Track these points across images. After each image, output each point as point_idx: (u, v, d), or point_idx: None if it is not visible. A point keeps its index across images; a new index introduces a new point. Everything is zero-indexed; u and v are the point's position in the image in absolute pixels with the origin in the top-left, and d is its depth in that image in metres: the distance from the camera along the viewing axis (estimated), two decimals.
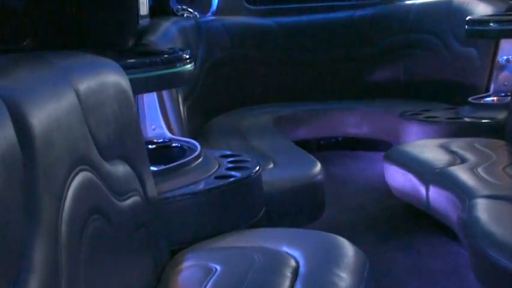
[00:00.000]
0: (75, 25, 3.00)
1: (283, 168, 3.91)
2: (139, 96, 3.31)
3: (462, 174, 3.68)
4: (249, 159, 3.41)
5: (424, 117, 5.02)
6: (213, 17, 5.90)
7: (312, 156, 4.15)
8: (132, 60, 3.05)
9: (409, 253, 3.83)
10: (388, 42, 6.05)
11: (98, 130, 2.08)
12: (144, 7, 3.36)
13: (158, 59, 3.13)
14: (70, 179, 1.72)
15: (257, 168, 3.28)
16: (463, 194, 3.43)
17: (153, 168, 2.83)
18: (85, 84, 2.09)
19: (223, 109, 5.63)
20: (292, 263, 2.51)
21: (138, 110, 3.11)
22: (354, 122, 5.71)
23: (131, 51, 3.22)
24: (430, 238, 3.94)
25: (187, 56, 3.27)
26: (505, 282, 2.74)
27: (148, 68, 3.05)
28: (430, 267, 3.65)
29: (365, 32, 6.13)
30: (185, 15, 5.45)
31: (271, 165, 3.94)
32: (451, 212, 3.54)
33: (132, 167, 2.42)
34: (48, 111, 1.70)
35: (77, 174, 1.78)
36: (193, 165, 3.20)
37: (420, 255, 3.80)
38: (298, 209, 3.64)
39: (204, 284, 2.36)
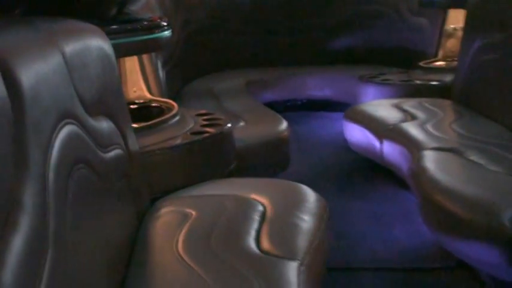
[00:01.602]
0: None
1: (252, 126, 3.92)
2: (122, 60, 3.30)
3: (412, 129, 3.71)
4: (222, 118, 3.43)
5: (379, 80, 5.05)
6: None
7: (279, 115, 4.16)
8: (115, 27, 3.04)
9: (365, 200, 3.87)
10: (348, 13, 6.04)
11: (83, 88, 2.07)
12: None
13: (138, 26, 3.13)
14: (57, 131, 1.71)
15: (229, 125, 3.30)
16: (413, 147, 3.46)
17: (134, 125, 2.83)
18: (70, 47, 2.08)
19: (199, 74, 5.61)
20: (260, 208, 2.53)
21: (120, 73, 3.10)
22: (317, 85, 5.71)
23: (114, 19, 3.20)
24: (384, 187, 3.98)
25: (165, 24, 3.26)
26: (449, 223, 2.78)
27: (129, 33, 3.05)
28: (383, 212, 3.70)
29: (328, 4, 6.10)
30: None
31: (242, 123, 3.95)
32: (402, 163, 3.58)
33: (115, 123, 2.42)
34: (35, 70, 1.69)
35: (63, 127, 1.77)
36: (171, 122, 3.21)
37: (374, 202, 3.84)
38: (266, 162, 3.66)
39: (181, 227, 2.38)
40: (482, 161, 3.10)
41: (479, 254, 2.65)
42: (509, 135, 3.50)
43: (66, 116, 1.83)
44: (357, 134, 4.24)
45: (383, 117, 4.08)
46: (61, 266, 1.51)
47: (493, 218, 2.54)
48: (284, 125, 3.94)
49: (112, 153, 2.27)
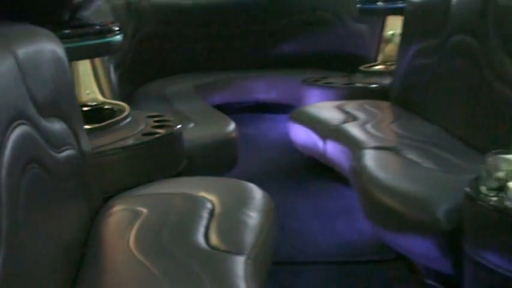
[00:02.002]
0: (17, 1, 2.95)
1: (202, 127, 3.92)
2: (75, 63, 3.26)
3: (354, 130, 3.74)
4: (172, 119, 3.42)
5: (323, 83, 5.07)
6: None
7: (227, 117, 4.17)
8: (67, 31, 3.02)
9: (309, 197, 3.90)
10: (292, 19, 6.07)
11: (35, 90, 2.04)
12: None
13: (90, 30, 3.12)
14: (9, 131, 1.69)
15: (178, 126, 3.30)
16: (354, 146, 3.49)
17: (87, 126, 2.80)
18: (23, 50, 2.05)
19: (150, 77, 5.58)
20: (209, 205, 2.53)
21: (73, 75, 3.07)
22: (264, 88, 5.73)
23: (67, 24, 3.16)
24: (327, 184, 4.01)
25: (116, 28, 3.24)
26: (387, 218, 2.82)
27: (81, 38, 3.04)
28: (326, 208, 3.73)
29: (273, 10, 6.12)
30: None
31: (192, 125, 3.94)
32: (344, 161, 3.60)
33: (68, 124, 2.39)
34: None
35: (15, 127, 1.75)
36: (122, 124, 3.19)
37: (318, 198, 3.87)
38: (215, 161, 3.66)
39: (132, 225, 2.36)
40: (418, 159, 3.14)
41: (416, 246, 2.69)
42: (443, 135, 3.56)
43: (18, 116, 1.80)
44: (301, 134, 4.26)
45: (326, 119, 4.11)
46: (13, 264, 1.49)
47: (428, 212, 2.58)
48: (232, 126, 3.95)
49: (65, 154, 2.25)
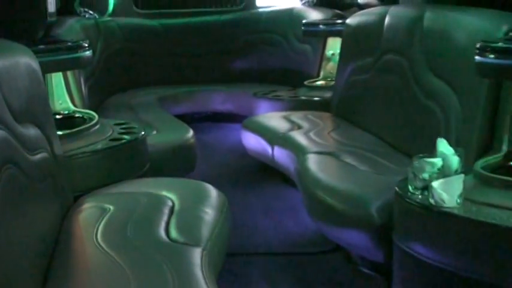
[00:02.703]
0: None
1: (164, 134, 3.89)
2: (49, 75, 3.21)
3: (298, 137, 3.76)
4: (136, 127, 3.40)
5: (271, 96, 5.09)
6: (109, 18, 5.75)
7: (186, 125, 4.15)
8: (41, 47, 2.98)
9: (259, 196, 3.89)
10: (245, 39, 6.07)
11: (11, 99, 2.01)
12: (51, 6, 3.27)
13: (62, 46, 3.10)
14: None
15: (142, 133, 3.28)
16: (298, 151, 3.50)
17: (59, 132, 2.76)
18: (0, 63, 2.02)
19: (117, 90, 5.51)
20: (169, 203, 2.52)
21: (47, 87, 3.03)
22: (220, 100, 5.72)
23: (41, 40, 3.12)
24: (275, 185, 4.01)
25: (86, 45, 3.22)
26: (328, 214, 2.84)
27: (54, 52, 3.01)
28: (274, 206, 3.73)
29: (228, 31, 6.13)
30: (86, 16, 5.28)
31: (155, 132, 3.91)
32: (290, 165, 3.61)
33: (42, 130, 2.36)
34: None
35: None
36: (92, 130, 3.15)
37: (267, 197, 3.87)
38: (175, 164, 3.64)
39: (100, 220, 2.34)
40: (354, 163, 3.17)
41: (352, 238, 2.71)
42: (376, 142, 3.60)
43: None
44: (252, 141, 4.26)
45: (274, 127, 4.12)
46: None
47: (362, 209, 2.61)
48: (191, 133, 3.94)
49: (38, 156, 2.22)
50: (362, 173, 3.03)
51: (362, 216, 2.59)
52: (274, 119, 4.34)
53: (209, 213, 2.46)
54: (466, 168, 2.35)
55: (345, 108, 4.27)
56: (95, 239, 2.17)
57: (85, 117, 3.35)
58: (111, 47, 5.51)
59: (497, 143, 2.47)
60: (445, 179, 2.21)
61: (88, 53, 3.22)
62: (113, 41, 5.60)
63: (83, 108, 3.67)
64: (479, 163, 2.40)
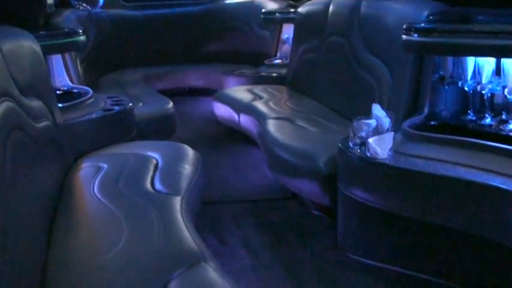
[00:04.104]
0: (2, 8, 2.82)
1: (148, 105, 3.84)
2: (50, 57, 3.13)
3: (260, 106, 3.75)
4: (125, 99, 3.34)
5: (237, 73, 5.06)
6: (100, 10, 5.60)
7: (167, 98, 4.10)
8: (42, 32, 2.90)
9: (228, 155, 3.87)
10: (215, 27, 5.97)
11: (17, 76, 1.95)
12: None
13: (60, 32, 3.01)
14: None
15: (130, 104, 3.23)
16: (260, 117, 3.50)
17: (60, 104, 2.71)
18: (7, 46, 1.97)
19: (109, 70, 5.39)
20: (154, 161, 2.49)
21: (48, 67, 2.95)
22: (195, 77, 5.65)
23: (42, 27, 3.04)
24: (242, 147, 4.00)
25: (81, 31, 3.14)
26: (285, 167, 2.85)
27: (53, 37, 2.93)
28: (241, 163, 3.72)
29: (201, 20, 6.01)
30: (81, 8, 5.13)
31: (141, 104, 3.86)
32: (253, 129, 3.61)
33: (44, 102, 2.30)
34: None
35: (2, 103, 1.67)
36: (87, 102, 3.10)
37: (235, 156, 3.85)
38: (158, 130, 3.59)
39: (96, 176, 2.31)
40: (306, 125, 3.18)
41: (304, 187, 2.73)
42: (323, 108, 3.61)
43: (4, 95, 1.72)
44: (222, 110, 4.24)
45: (240, 98, 4.10)
46: (2, 219, 1.41)
47: (312, 162, 2.62)
48: (171, 104, 3.90)
49: (42, 124, 2.16)
50: (312, 134, 3.04)
51: (312, 168, 2.61)
52: (240, 91, 4.31)
53: (187, 169, 2.44)
54: (395, 127, 2.37)
55: (297, 81, 4.27)
56: (92, 191, 2.14)
57: (81, 92, 3.28)
58: (102, 33, 5.37)
59: (421, 106, 2.49)
60: (379, 136, 2.23)
61: (82, 37, 3.14)
62: (104, 29, 5.46)
63: (79, 85, 3.60)
64: (406, 123, 2.43)
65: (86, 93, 3.23)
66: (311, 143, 2.83)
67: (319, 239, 2.61)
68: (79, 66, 3.95)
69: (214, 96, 4.46)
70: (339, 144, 2.38)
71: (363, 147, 2.26)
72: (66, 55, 3.40)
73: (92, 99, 3.14)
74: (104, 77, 5.17)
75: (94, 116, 2.95)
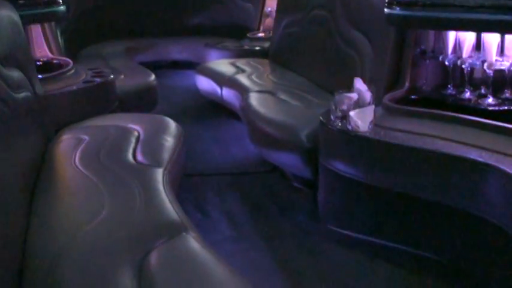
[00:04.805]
0: None
1: (130, 78, 3.80)
2: (29, 27, 3.08)
3: (242, 79, 3.74)
4: (106, 71, 3.30)
5: (220, 46, 5.02)
6: None
7: (149, 71, 4.07)
8: (21, 1, 2.84)
9: (211, 128, 3.85)
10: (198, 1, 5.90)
11: None
12: None
13: (40, 1, 2.96)
14: None
15: (111, 76, 3.19)
16: (243, 90, 3.49)
17: (40, 75, 2.67)
18: None
19: (90, 42, 5.31)
20: (135, 133, 2.49)
21: (28, 37, 2.90)
22: (177, 50, 5.58)
23: None
24: (224, 120, 3.98)
25: (61, 1, 3.08)
26: (267, 141, 2.86)
27: (32, 7, 2.88)
28: (223, 136, 3.71)
29: None
30: None
31: (123, 76, 3.81)
32: (236, 102, 3.61)
33: (24, 73, 2.28)
34: None
35: None
36: (68, 74, 3.06)
37: (217, 129, 3.84)
38: (140, 103, 3.57)
39: (77, 148, 2.30)
40: (288, 99, 3.18)
41: (286, 160, 2.75)
42: (306, 82, 3.61)
43: None
44: (204, 83, 4.21)
45: (222, 71, 4.08)
46: None
47: (294, 135, 2.64)
48: (153, 77, 3.87)
49: (22, 95, 2.14)
50: (294, 107, 3.04)
51: (294, 142, 2.62)
52: (223, 65, 4.28)
53: (169, 141, 2.44)
54: (377, 101, 2.39)
55: (280, 55, 4.25)
56: (73, 163, 2.13)
57: (62, 63, 3.24)
58: (83, 4, 5.27)
59: (402, 80, 2.51)
60: (360, 109, 2.24)
61: (62, 8, 3.09)
62: (86, 1, 5.35)
63: (60, 57, 3.54)
64: (387, 96, 2.45)
65: (67, 64, 3.19)
66: (293, 117, 2.84)
67: (300, 211, 2.64)
68: (59, 38, 3.87)
69: (196, 69, 4.42)
70: (321, 118, 2.39)
71: (344, 121, 2.27)
72: (46, 26, 3.34)
73: (72, 71, 3.10)
74: (85, 49, 5.09)
75: (75, 87, 2.92)
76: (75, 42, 4.82)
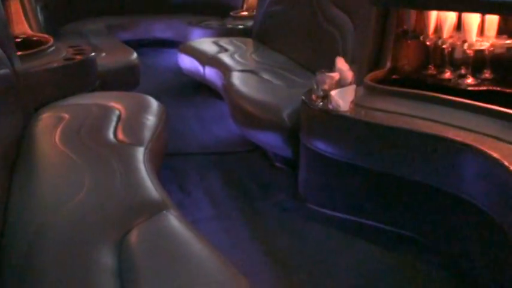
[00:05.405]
0: None
1: (112, 56, 3.77)
2: (7, 3, 3.02)
3: (225, 58, 3.73)
4: (87, 48, 3.26)
5: (203, 25, 4.99)
6: None
7: (131, 49, 4.03)
8: None
9: (193, 107, 3.85)
10: None
11: None
12: None
13: None
14: None
15: (92, 54, 3.15)
16: (225, 70, 3.49)
17: (19, 52, 2.63)
18: None
19: (71, 19, 5.24)
20: (117, 112, 2.47)
21: (6, 13, 2.85)
22: (160, 28, 5.54)
23: None
24: (206, 98, 3.98)
25: None
26: (249, 120, 2.86)
27: None
28: (205, 115, 3.71)
29: None
30: None
31: (104, 54, 3.78)
32: (218, 81, 3.60)
33: (3, 49, 2.24)
34: None
35: None
36: (48, 51, 3.01)
37: (200, 108, 3.84)
38: (122, 81, 3.54)
39: (57, 126, 2.28)
40: (270, 78, 3.19)
41: (268, 139, 2.76)
42: (288, 62, 3.61)
43: None
44: (187, 62, 4.19)
45: (205, 50, 4.06)
46: None
47: (276, 115, 2.64)
48: (135, 55, 3.84)
49: (1, 72, 2.11)
50: (276, 87, 3.05)
51: (276, 121, 2.63)
52: (205, 43, 4.26)
53: (150, 120, 2.43)
54: (359, 80, 2.40)
55: (263, 34, 4.24)
56: (53, 140, 2.12)
57: (41, 40, 3.19)
58: None
59: (383, 60, 2.52)
60: (341, 88, 2.25)
61: None
62: None
63: (40, 33, 3.49)
64: (369, 76, 2.45)
65: (47, 41, 3.14)
66: (275, 96, 2.84)
67: (280, 190, 2.65)
68: (39, 14, 3.82)
69: (179, 47, 4.39)
70: (302, 97, 2.39)
71: (326, 100, 2.28)
72: (25, 1, 3.28)
73: (52, 48, 3.06)
74: (65, 26, 5.03)
75: (55, 65, 2.88)
76: (55, 19, 4.76)
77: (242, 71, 3.35)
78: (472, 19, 2.23)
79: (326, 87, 2.30)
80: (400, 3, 2.35)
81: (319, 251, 2.17)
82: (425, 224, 2.09)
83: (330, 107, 2.23)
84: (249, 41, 4.28)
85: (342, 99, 2.20)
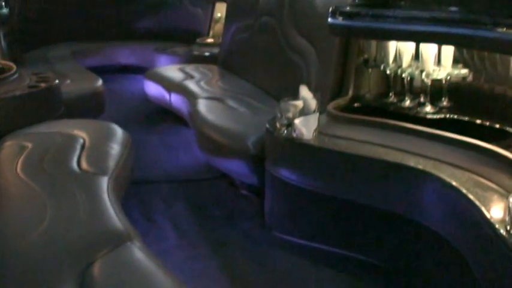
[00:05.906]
0: None
1: (76, 83, 3.76)
2: None
3: (191, 85, 3.75)
4: (51, 76, 3.25)
5: (169, 51, 5.02)
6: None
7: (96, 75, 4.02)
8: None
9: (159, 135, 3.84)
10: (146, 3, 5.84)
11: None
12: None
13: None
14: None
15: (56, 81, 3.14)
16: (191, 97, 3.50)
17: None
18: None
19: (35, 45, 5.20)
20: (81, 140, 2.46)
21: None
22: (126, 55, 5.55)
23: None
24: (172, 125, 3.98)
25: (3, 3, 3.01)
26: (215, 148, 2.87)
27: None
28: (171, 143, 3.70)
29: None
30: None
31: (69, 81, 3.76)
32: (184, 109, 3.61)
33: None
34: None
35: None
36: (11, 79, 2.99)
37: (166, 135, 3.83)
38: (87, 108, 3.53)
39: (20, 155, 2.26)
40: (236, 106, 3.22)
41: (234, 167, 2.77)
42: (253, 89, 3.66)
43: None
44: (153, 89, 4.20)
45: (171, 77, 4.08)
46: None
47: (241, 143, 2.66)
48: (100, 82, 3.84)
49: None
50: (241, 114, 3.08)
51: (241, 149, 2.65)
52: (171, 70, 4.29)
53: (115, 148, 2.43)
54: (322, 108, 2.44)
55: (229, 61, 4.28)
56: (14, 170, 2.09)
57: (4, 67, 3.16)
58: (28, 7, 5.15)
59: (345, 88, 2.58)
60: (305, 117, 2.28)
61: (4, 10, 3.03)
62: (30, 4, 5.23)
63: (2, 60, 3.46)
64: (332, 104, 2.51)
65: (10, 68, 3.12)
66: (240, 124, 2.87)
67: (247, 218, 2.66)
68: (2, 41, 3.79)
69: (145, 74, 4.40)
70: (267, 125, 2.42)
71: (290, 128, 2.31)
72: None
73: (16, 75, 3.03)
74: (29, 53, 4.98)
75: (18, 93, 2.85)
76: (19, 45, 4.71)
77: (208, 98, 3.38)
78: (429, 49, 2.31)
79: (290, 115, 2.33)
80: (361, 34, 2.42)
81: (285, 280, 2.17)
82: (389, 251, 2.12)
83: (294, 135, 2.26)
84: (215, 68, 4.32)
85: (306, 128, 2.24)
